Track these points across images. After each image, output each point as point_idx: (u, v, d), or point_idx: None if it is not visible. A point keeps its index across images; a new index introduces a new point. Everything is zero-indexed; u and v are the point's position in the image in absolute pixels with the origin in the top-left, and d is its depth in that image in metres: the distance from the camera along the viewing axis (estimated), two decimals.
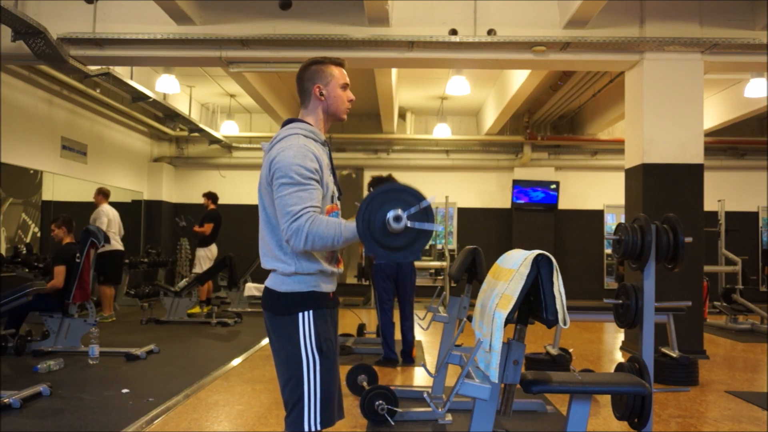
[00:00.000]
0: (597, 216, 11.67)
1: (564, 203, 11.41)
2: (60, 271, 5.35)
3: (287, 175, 1.79)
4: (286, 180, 1.79)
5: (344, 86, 2.01)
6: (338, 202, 2.00)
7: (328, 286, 1.93)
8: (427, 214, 1.69)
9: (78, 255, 5.45)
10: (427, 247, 12.11)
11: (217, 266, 8.06)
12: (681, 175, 5.75)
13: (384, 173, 5.49)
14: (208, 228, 8.31)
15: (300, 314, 1.85)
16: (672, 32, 5.75)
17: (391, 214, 1.66)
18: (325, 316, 1.90)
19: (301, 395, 1.83)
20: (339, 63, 2.03)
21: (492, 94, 10.11)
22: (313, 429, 1.82)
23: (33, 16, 5.38)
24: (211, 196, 8.57)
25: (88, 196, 7.81)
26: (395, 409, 3.38)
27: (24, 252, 7.08)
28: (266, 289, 1.92)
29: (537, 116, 10.83)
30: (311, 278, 1.87)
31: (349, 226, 1.74)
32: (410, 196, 1.69)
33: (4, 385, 3.88)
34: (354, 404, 3.77)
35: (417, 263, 11.06)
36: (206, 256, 8.40)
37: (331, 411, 1.87)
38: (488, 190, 11.79)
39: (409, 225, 1.66)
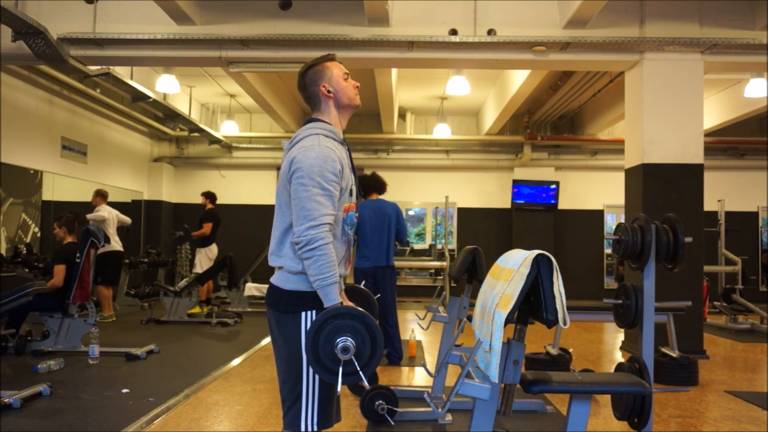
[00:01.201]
0: (597, 216, 11.67)
1: (564, 203, 11.41)
2: (60, 270, 5.34)
3: (309, 176, 1.79)
4: (306, 181, 1.79)
5: (346, 76, 2.02)
6: (356, 201, 2.01)
7: None
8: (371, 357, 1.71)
9: (78, 255, 5.45)
10: (427, 246, 12.12)
11: (217, 266, 8.06)
12: (681, 175, 5.75)
13: (369, 172, 5.51)
14: (207, 228, 8.32)
15: (303, 313, 1.85)
16: (672, 32, 5.75)
17: (340, 345, 1.68)
18: None
19: (299, 394, 1.83)
20: (331, 58, 2.04)
21: (492, 94, 10.11)
22: (309, 429, 1.82)
23: (33, 16, 5.39)
24: (210, 196, 8.59)
25: (89, 196, 7.82)
26: (395, 409, 3.38)
27: (24, 252, 7.09)
28: (271, 285, 1.93)
29: (537, 116, 10.83)
30: None
31: (333, 293, 1.76)
32: (359, 324, 1.71)
33: (4, 385, 3.89)
34: (354, 404, 3.77)
35: (417, 263, 11.14)
36: (206, 256, 8.40)
37: (328, 412, 1.87)
38: (488, 190, 11.79)
39: (353, 358, 1.69)
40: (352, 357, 1.68)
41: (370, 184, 5.31)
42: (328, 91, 1.98)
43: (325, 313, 1.71)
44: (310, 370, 1.83)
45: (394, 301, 5.21)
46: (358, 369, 1.69)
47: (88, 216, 7.42)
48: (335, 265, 1.79)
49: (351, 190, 1.95)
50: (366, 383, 1.72)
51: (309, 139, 1.88)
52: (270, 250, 1.94)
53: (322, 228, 1.76)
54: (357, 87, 2.04)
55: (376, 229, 5.14)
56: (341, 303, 1.77)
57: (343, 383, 1.70)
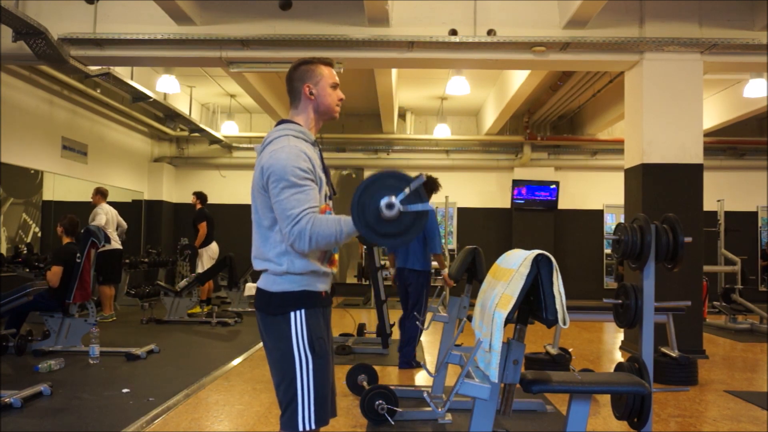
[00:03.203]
0: (597, 216, 11.67)
1: (564, 203, 11.41)
2: (56, 271, 5.33)
3: (283, 178, 1.80)
4: (283, 183, 1.80)
5: (334, 85, 2.02)
6: (330, 202, 2.00)
7: (321, 285, 1.93)
8: (418, 195, 1.69)
9: (78, 255, 5.45)
10: None
11: (218, 266, 8.07)
12: (681, 175, 5.76)
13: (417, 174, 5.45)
14: (203, 228, 8.33)
15: (292, 313, 1.85)
16: (671, 32, 5.75)
17: (383, 202, 1.67)
18: (318, 315, 1.90)
19: (294, 395, 1.83)
20: (328, 63, 2.04)
21: (492, 94, 10.12)
22: (307, 428, 1.82)
23: (33, 17, 5.39)
24: (200, 196, 8.64)
25: (89, 196, 7.82)
26: (395, 408, 3.38)
27: (24, 252, 7.09)
28: (258, 289, 1.93)
29: (537, 116, 10.84)
30: (303, 278, 1.87)
31: (348, 219, 1.76)
32: (398, 181, 1.70)
33: (5, 385, 3.89)
34: (354, 404, 3.78)
35: None
36: (207, 256, 8.41)
37: (325, 410, 1.87)
38: (488, 190, 11.79)
39: (402, 209, 1.68)
40: (400, 208, 1.66)
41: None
42: (311, 93, 1.99)
43: (366, 179, 1.72)
44: (304, 370, 1.83)
45: (415, 304, 5.06)
46: (418, 200, 1.67)
47: (90, 224, 7.40)
48: (332, 220, 1.77)
49: (325, 194, 1.95)
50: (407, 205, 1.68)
51: (279, 141, 1.89)
52: (253, 254, 1.95)
53: (301, 218, 1.76)
54: (341, 100, 2.05)
55: None
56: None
57: (390, 245, 1.70)
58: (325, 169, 2.00)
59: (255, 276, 9.38)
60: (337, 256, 2.03)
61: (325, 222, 1.76)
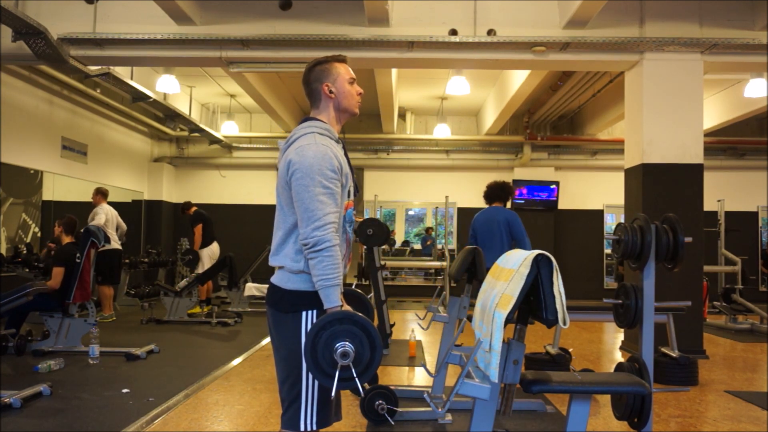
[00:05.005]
0: (597, 216, 11.67)
1: (564, 203, 11.41)
2: (58, 272, 5.32)
3: (309, 175, 1.79)
4: (307, 181, 1.79)
5: (351, 81, 2.03)
6: (353, 199, 2.00)
7: None
8: (369, 366, 1.71)
9: (78, 255, 5.45)
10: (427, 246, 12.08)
11: (217, 266, 8.07)
12: (681, 175, 5.76)
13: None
14: (198, 230, 8.35)
15: (303, 313, 1.86)
16: (672, 32, 5.75)
17: (339, 350, 1.67)
18: None
19: (298, 394, 1.83)
20: (342, 59, 2.05)
21: (492, 94, 10.11)
22: (308, 428, 1.82)
23: (33, 16, 5.39)
24: (186, 206, 8.81)
25: (89, 196, 7.82)
26: (395, 408, 3.38)
27: (24, 252, 7.08)
28: (272, 285, 1.93)
29: (537, 116, 10.83)
30: None
31: (334, 295, 1.76)
32: (359, 329, 1.70)
33: (4, 385, 3.89)
34: (354, 404, 3.77)
35: (416, 263, 11.12)
36: (207, 256, 8.41)
37: (327, 411, 1.87)
38: None
39: (351, 364, 1.68)
40: (350, 363, 1.67)
41: (493, 193, 5.35)
42: (330, 92, 1.99)
43: (325, 317, 1.71)
44: None
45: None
46: (355, 376, 1.68)
47: (90, 223, 7.39)
48: (340, 267, 1.79)
49: (350, 191, 1.95)
50: (361, 391, 1.71)
51: (305, 138, 1.89)
52: (271, 251, 1.95)
53: (327, 228, 1.77)
54: (360, 94, 2.05)
55: (487, 234, 5.19)
56: (341, 306, 1.77)
57: (341, 388, 1.69)
58: (350, 166, 2.00)
59: (255, 276, 9.38)
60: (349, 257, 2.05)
61: (334, 263, 1.77)
